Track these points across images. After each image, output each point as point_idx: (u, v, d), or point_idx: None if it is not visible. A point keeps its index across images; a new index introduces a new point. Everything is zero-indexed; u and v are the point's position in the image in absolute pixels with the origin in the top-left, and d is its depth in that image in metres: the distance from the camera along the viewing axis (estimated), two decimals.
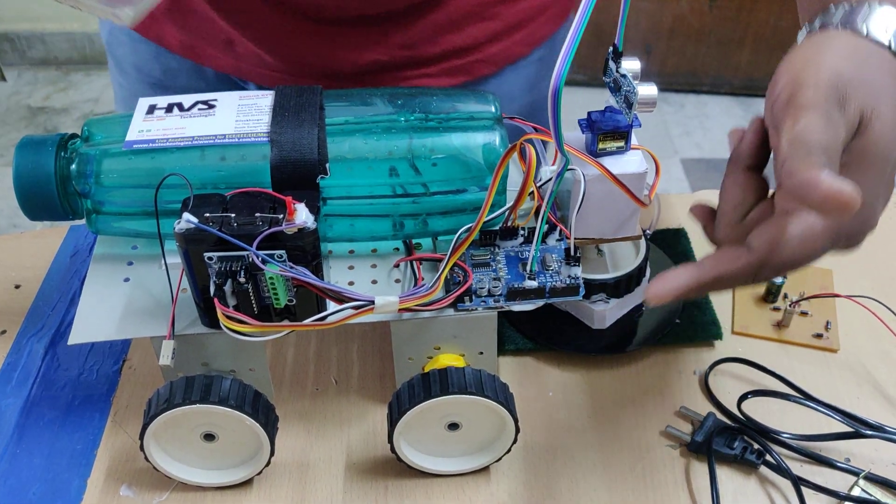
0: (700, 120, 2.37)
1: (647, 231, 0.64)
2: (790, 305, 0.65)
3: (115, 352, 0.65)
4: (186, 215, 0.49)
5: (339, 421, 0.60)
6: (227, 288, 0.50)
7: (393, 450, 0.55)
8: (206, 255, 0.49)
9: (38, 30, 2.54)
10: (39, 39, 2.56)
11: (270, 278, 0.50)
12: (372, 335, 0.66)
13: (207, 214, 0.49)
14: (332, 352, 0.65)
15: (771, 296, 0.67)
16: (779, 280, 0.66)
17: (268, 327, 0.51)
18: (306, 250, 0.50)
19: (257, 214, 0.49)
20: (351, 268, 0.58)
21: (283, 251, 0.49)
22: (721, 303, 0.68)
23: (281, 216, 0.49)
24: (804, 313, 0.66)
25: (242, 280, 0.50)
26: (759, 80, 2.36)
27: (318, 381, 0.63)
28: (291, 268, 0.50)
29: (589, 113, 0.57)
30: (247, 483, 0.57)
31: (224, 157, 0.54)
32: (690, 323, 0.65)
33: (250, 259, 0.49)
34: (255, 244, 0.48)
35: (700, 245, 0.72)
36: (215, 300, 0.50)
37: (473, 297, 0.55)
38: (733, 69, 2.37)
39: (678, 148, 2.26)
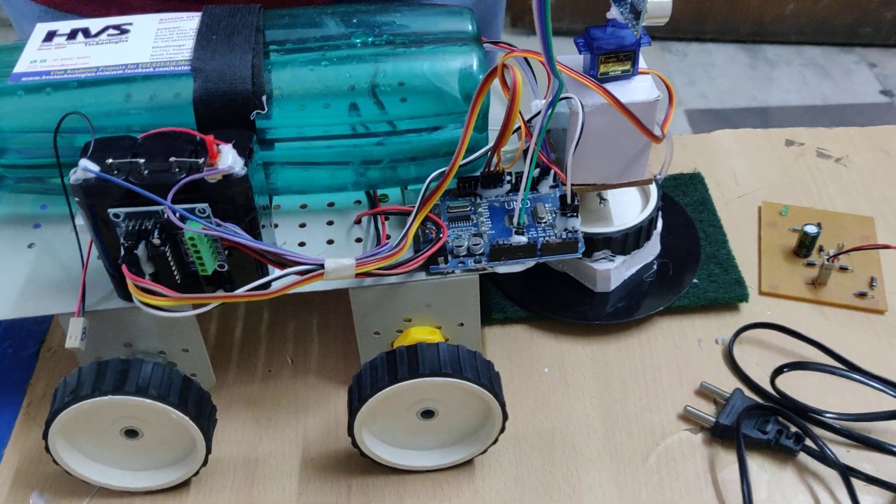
0: (705, 69, 2.26)
1: (658, 176, 0.54)
2: (827, 260, 0.55)
3: (33, 332, 0.55)
4: (84, 162, 0.39)
5: (294, 408, 0.51)
6: (140, 252, 0.40)
7: (355, 443, 0.45)
8: (112, 211, 0.40)
9: None
10: None
11: (191, 238, 0.40)
12: (335, 305, 0.56)
13: (111, 161, 0.39)
14: (288, 326, 0.55)
15: (804, 249, 0.57)
16: (813, 230, 0.56)
17: (191, 299, 0.41)
18: (236, 203, 0.40)
19: (173, 159, 0.39)
20: (303, 225, 0.49)
21: (207, 205, 0.40)
22: (745, 258, 0.58)
23: (202, 161, 0.39)
24: (844, 268, 0.56)
25: (157, 242, 0.40)
26: (768, 26, 2.24)
27: (270, 360, 0.53)
28: (218, 225, 0.40)
29: (587, 29, 0.46)
30: (182, 486, 0.47)
31: (137, 92, 0.44)
32: (710, 283, 0.55)
33: (165, 216, 0.39)
34: (169, 196, 0.39)
35: (718, 192, 0.62)
36: (123, 268, 0.40)
37: (449, 258, 0.45)
38: (741, 13, 2.25)
39: (682, 99, 2.15)
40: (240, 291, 0.41)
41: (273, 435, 0.50)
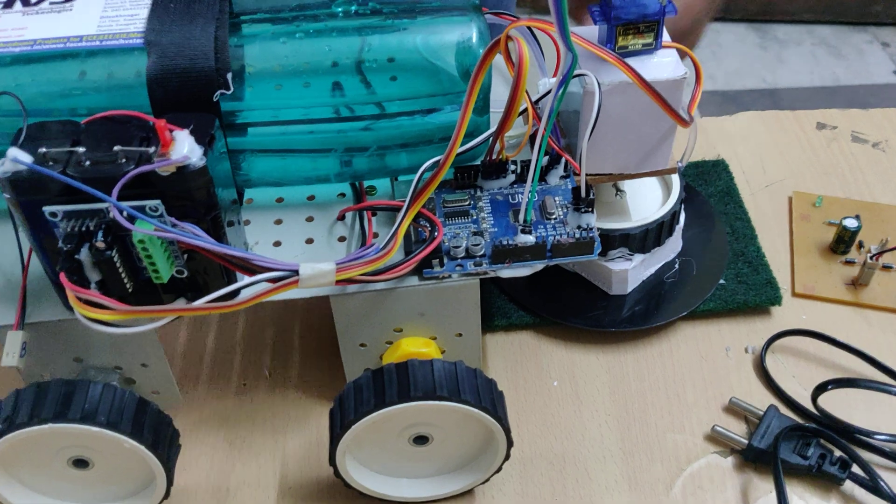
0: (712, 49, 2.19)
1: (680, 164, 0.48)
2: (870, 258, 0.49)
3: None
4: (13, 152, 0.33)
5: (271, 428, 0.45)
6: (84, 257, 0.34)
7: (337, 473, 0.40)
8: (48, 209, 0.34)
9: None
10: None
11: (140, 241, 0.34)
12: (319, 310, 0.50)
13: (46, 150, 0.34)
14: (265, 334, 0.49)
15: (842, 245, 0.51)
16: (853, 224, 0.50)
17: (141, 312, 0.35)
18: (194, 199, 0.35)
19: (118, 148, 0.33)
20: (278, 222, 0.43)
21: (159, 201, 0.34)
22: (776, 256, 0.52)
23: (153, 150, 0.33)
24: (888, 267, 0.51)
25: (102, 245, 0.34)
26: (776, 5, 2.18)
27: (246, 373, 0.48)
28: (173, 226, 0.34)
29: None
30: None
31: (81, 70, 0.38)
32: (739, 284, 0.49)
33: (111, 214, 0.33)
34: (115, 192, 0.33)
35: (745, 181, 0.56)
36: (62, 276, 0.34)
37: (446, 260, 0.39)
38: None
39: (690, 79, 2.09)
40: (199, 303, 0.35)
41: (247, 459, 0.44)
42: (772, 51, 2.16)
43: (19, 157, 0.33)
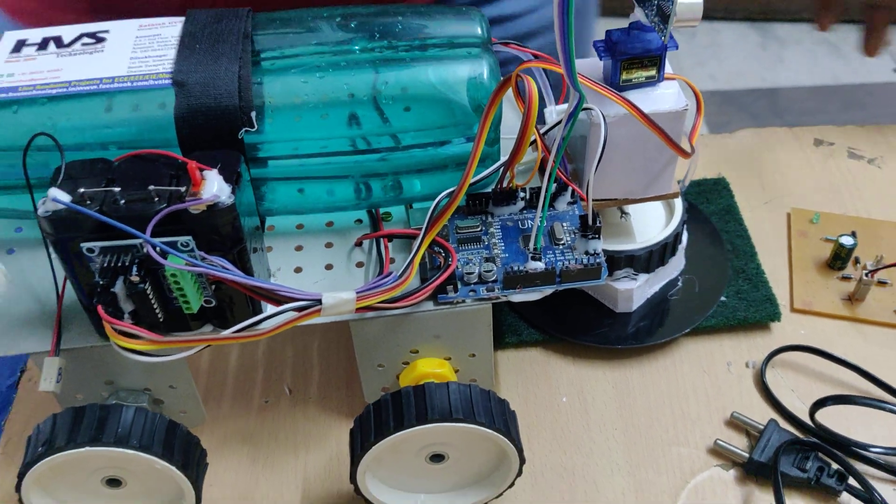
0: (713, 50, 2.20)
1: (682, 184, 0.50)
2: (865, 275, 0.51)
3: (11, 362, 0.51)
4: (54, 192, 0.35)
5: (293, 444, 0.47)
6: (118, 289, 0.36)
7: (358, 490, 0.42)
8: (85, 246, 0.36)
9: None
10: None
11: (173, 275, 0.36)
12: (337, 329, 0.52)
13: (83, 190, 0.35)
14: (286, 353, 0.51)
15: (839, 261, 0.53)
16: (849, 242, 0.52)
17: (173, 342, 0.37)
18: (222, 234, 0.36)
19: (151, 187, 0.35)
20: (299, 248, 0.45)
21: (190, 237, 0.36)
22: (775, 272, 0.54)
23: (184, 189, 0.35)
24: (883, 282, 0.52)
25: (136, 279, 0.36)
26: (775, 5, 2.19)
27: (267, 391, 0.50)
28: (202, 259, 0.36)
29: (608, 32, 0.42)
30: None
31: (113, 109, 0.40)
32: (739, 301, 0.51)
33: (145, 250, 0.35)
34: (148, 229, 0.35)
35: (745, 198, 0.58)
36: (99, 309, 0.36)
37: (459, 286, 0.41)
38: None
39: (691, 80, 2.10)
40: (227, 333, 0.37)
41: (270, 475, 0.46)
42: (772, 50, 2.18)
43: (59, 197, 0.35)
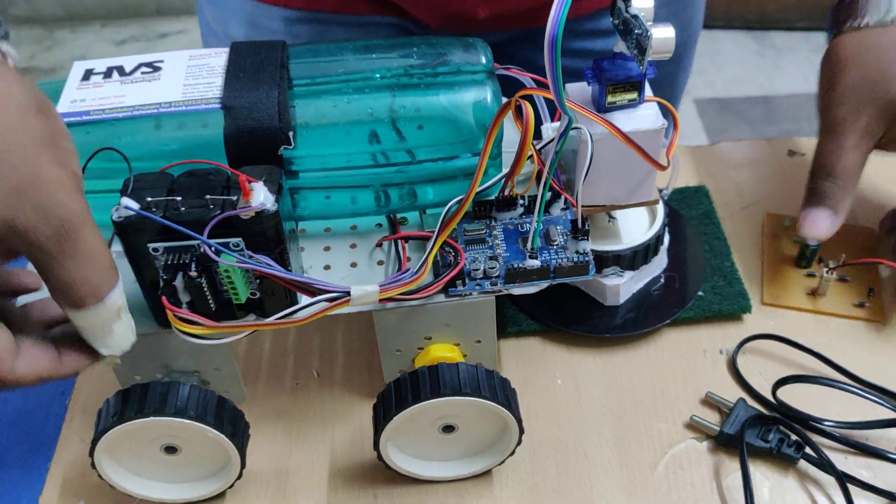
0: (712, 58, 2.26)
1: (665, 192, 0.56)
2: (826, 272, 0.57)
3: None
4: (125, 200, 0.42)
5: (321, 420, 0.54)
6: (178, 283, 0.43)
7: (380, 457, 0.48)
8: (151, 246, 0.42)
9: None
10: None
11: (226, 271, 0.43)
12: (358, 320, 0.59)
13: (150, 199, 0.42)
14: (313, 341, 0.58)
15: (804, 260, 0.60)
16: (813, 243, 0.59)
17: (225, 328, 0.44)
18: (267, 236, 0.43)
19: (208, 197, 0.42)
20: (327, 249, 0.51)
21: (240, 239, 0.42)
22: (748, 270, 0.60)
23: (236, 198, 0.42)
24: (843, 279, 0.59)
25: (194, 274, 0.43)
26: (772, 14, 2.25)
27: (298, 374, 0.56)
28: (250, 257, 0.43)
29: (595, 61, 0.49)
30: (218, 497, 0.50)
31: (171, 129, 0.47)
32: (715, 295, 0.58)
33: (202, 249, 0.42)
34: (205, 232, 0.41)
35: (723, 205, 0.65)
36: (163, 298, 0.43)
37: (467, 281, 0.48)
38: (745, 2, 2.26)
39: (690, 88, 2.16)
40: (271, 320, 0.44)
41: (302, 446, 0.53)
42: (769, 58, 2.24)
43: (130, 205, 0.42)
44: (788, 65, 2.20)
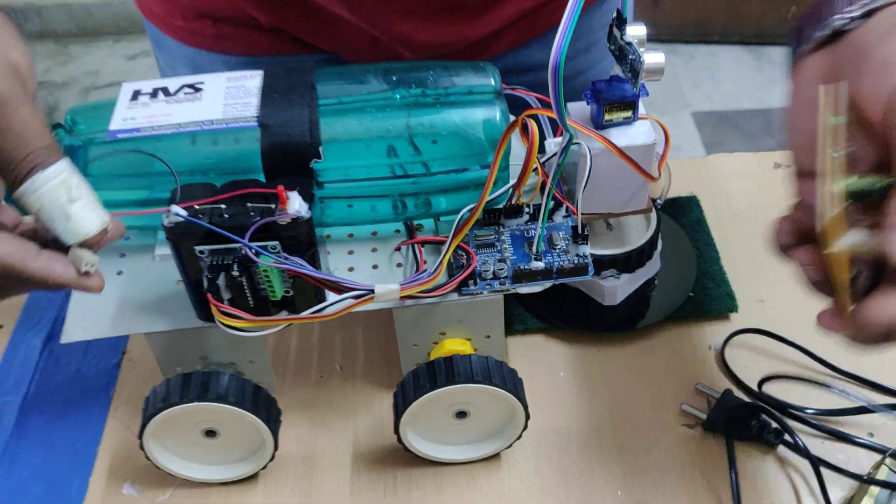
0: (710, 71, 2.32)
1: (658, 201, 0.61)
2: None
3: (115, 345, 0.63)
4: (175, 208, 0.47)
5: (344, 410, 0.59)
6: (221, 282, 0.48)
7: (400, 440, 0.53)
8: (197, 248, 0.47)
9: (34, 2, 2.50)
10: (35, 12, 2.52)
11: (265, 270, 0.48)
12: (377, 319, 0.64)
13: (197, 206, 0.47)
14: (335, 338, 0.63)
15: None
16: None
17: (264, 321, 0.49)
18: (301, 240, 0.48)
19: (249, 204, 0.47)
20: (350, 252, 0.56)
21: (277, 242, 0.47)
22: (736, 272, 0.65)
23: (273, 206, 0.47)
24: None
25: (236, 273, 0.48)
26: (769, 29, 2.30)
27: (322, 368, 0.61)
28: (286, 259, 0.48)
29: (593, 83, 0.54)
30: (252, 478, 0.55)
31: (213, 144, 0.52)
32: (705, 296, 0.63)
33: (243, 251, 0.47)
34: (247, 236, 0.46)
35: (713, 213, 0.70)
36: (208, 295, 0.48)
37: (478, 281, 0.53)
38: (742, 18, 2.31)
39: (688, 101, 2.22)
40: (305, 314, 0.49)
41: (327, 433, 0.58)
42: (766, 72, 2.29)
43: (178, 212, 0.47)
44: (785, 78, 2.24)
